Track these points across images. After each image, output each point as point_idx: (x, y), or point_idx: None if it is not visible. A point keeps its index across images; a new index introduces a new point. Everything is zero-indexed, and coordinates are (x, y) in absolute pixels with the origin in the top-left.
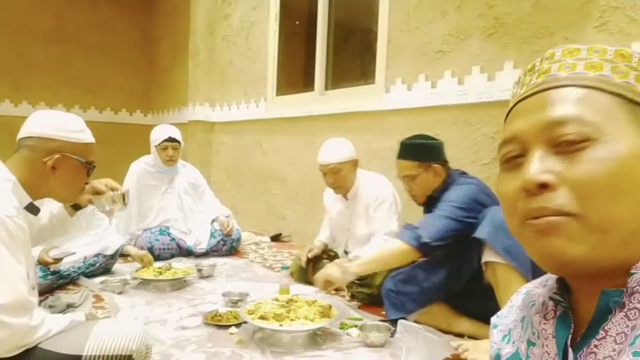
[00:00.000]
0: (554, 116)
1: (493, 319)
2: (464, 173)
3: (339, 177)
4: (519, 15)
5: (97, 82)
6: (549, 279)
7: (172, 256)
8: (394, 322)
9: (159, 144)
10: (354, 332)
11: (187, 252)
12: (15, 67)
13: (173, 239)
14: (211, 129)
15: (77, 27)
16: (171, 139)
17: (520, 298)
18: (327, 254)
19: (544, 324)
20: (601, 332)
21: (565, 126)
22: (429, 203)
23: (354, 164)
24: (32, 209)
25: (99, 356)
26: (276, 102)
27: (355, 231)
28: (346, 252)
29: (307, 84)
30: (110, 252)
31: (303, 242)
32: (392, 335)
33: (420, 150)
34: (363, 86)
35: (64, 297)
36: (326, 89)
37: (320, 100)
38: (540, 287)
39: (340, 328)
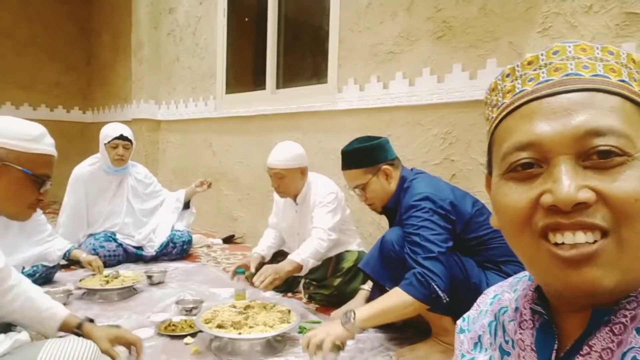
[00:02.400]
0: (589, 126)
1: (459, 323)
2: (418, 172)
3: (283, 183)
4: (465, 19)
5: (29, 77)
6: (519, 283)
7: (119, 263)
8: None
9: (109, 142)
10: None
11: (135, 258)
12: None
13: (120, 245)
14: (157, 128)
15: (7, 18)
16: (123, 137)
17: (487, 302)
18: (283, 257)
19: (520, 333)
20: (585, 347)
21: (600, 137)
22: (388, 215)
23: (302, 171)
24: None
25: None
26: (226, 101)
27: (305, 235)
28: None
29: (257, 82)
30: (55, 256)
31: (256, 244)
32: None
33: (363, 155)
34: (315, 85)
35: None
36: (277, 87)
37: (271, 99)
38: (510, 292)
39: (299, 332)
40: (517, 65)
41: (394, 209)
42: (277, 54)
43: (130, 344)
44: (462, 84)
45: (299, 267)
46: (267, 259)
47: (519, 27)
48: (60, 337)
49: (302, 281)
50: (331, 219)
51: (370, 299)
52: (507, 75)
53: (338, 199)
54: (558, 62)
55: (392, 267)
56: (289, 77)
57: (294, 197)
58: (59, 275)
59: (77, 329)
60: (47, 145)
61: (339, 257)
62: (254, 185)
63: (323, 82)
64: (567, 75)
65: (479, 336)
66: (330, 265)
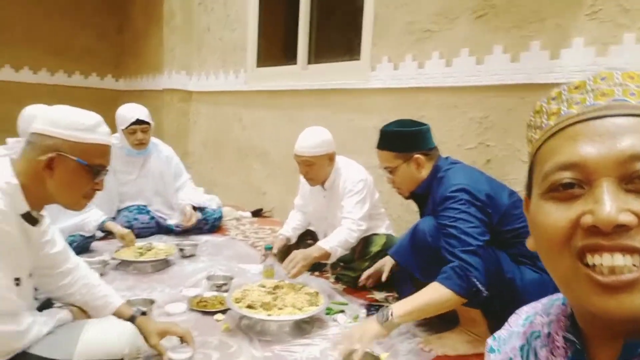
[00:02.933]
0: (634, 150)
1: (490, 342)
2: (453, 162)
3: (311, 170)
4: None
5: (62, 44)
6: (552, 307)
7: (152, 234)
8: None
9: (126, 128)
10: (341, 319)
11: (167, 230)
12: None
13: (152, 218)
14: (188, 99)
15: None
16: (139, 122)
17: (520, 323)
18: (312, 236)
19: None
20: None
21: None
22: (417, 201)
23: (330, 157)
24: (30, 219)
25: None
26: (256, 74)
27: (333, 221)
28: None
29: (288, 56)
30: (91, 227)
31: (284, 218)
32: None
33: (399, 140)
34: (348, 62)
35: None
36: (309, 62)
37: (302, 75)
38: (544, 316)
39: (327, 314)
40: (564, 89)
41: (423, 195)
42: (309, 28)
43: (180, 337)
44: (502, 66)
45: (327, 255)
46: (293, 241)
47: (566, 8)
48: None
49: (327, 263)
50: (360, 209)
51: (399, 287)
52: (553, 98)
53: (367, 186)
54: (605, 88)
55: (423, 257)
56: (321, 52)
57: (322, 183)
58: (96, 244)
59: (130, 321)
60: (102, 134)
61: (367, 240)
62: (282, 160)
63: (356, 59)
64: (614, 100)
65: (510, 359)
66: (358, 247)
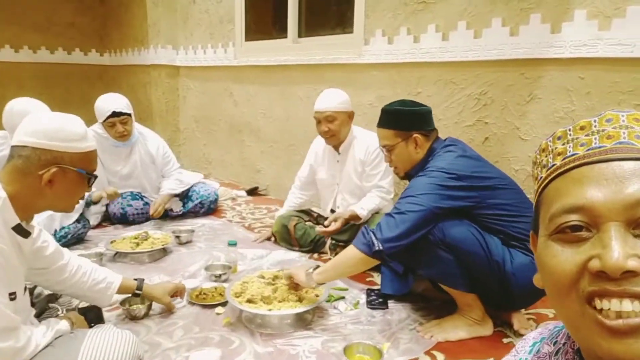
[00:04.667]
0: None
1: None
2: (451, 144)
3: (334, 126)
4: None
5: (45, 19)
6: (559, 335)
7: (147, 220)
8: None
9: (104, 121)
10: (342, 306)
11: (162, 215)
12: None
13: (147, 203)
14: (176, 74)
15: None
16: (116, 114)
17: (526, 350)
18: (310, 216)
19: None
20: None
21: None
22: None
23: (350, 115)
24: (21, 232)
25: None
26: (246, 48)
27: (345, 186)
28: (332, 211)
29: (279, 29)
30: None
31: (280, 196)
32: (373, 307)
33: (399, 118)
34: (340, 35)
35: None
36: (300, 36)
37: (293, 49)
38: (550, 344)
39: (327, 301)
40: (569, 129)
41: (414, 176)
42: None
43: (182, 292)
44: (501, 40)
45: (359, 217)
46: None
47: None
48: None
49: (329, 242)
50: (388, 176)
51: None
52: (559, 138)
53: None
54: (611, 130)
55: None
56: (312, 25)
57: (337, 147)
58: (91, 233)
59: (137, 291)
60: (91, 140)
61: (367, 220)
62: (277, 137)
63: (348, 32)
64: (619, 143)
65: None
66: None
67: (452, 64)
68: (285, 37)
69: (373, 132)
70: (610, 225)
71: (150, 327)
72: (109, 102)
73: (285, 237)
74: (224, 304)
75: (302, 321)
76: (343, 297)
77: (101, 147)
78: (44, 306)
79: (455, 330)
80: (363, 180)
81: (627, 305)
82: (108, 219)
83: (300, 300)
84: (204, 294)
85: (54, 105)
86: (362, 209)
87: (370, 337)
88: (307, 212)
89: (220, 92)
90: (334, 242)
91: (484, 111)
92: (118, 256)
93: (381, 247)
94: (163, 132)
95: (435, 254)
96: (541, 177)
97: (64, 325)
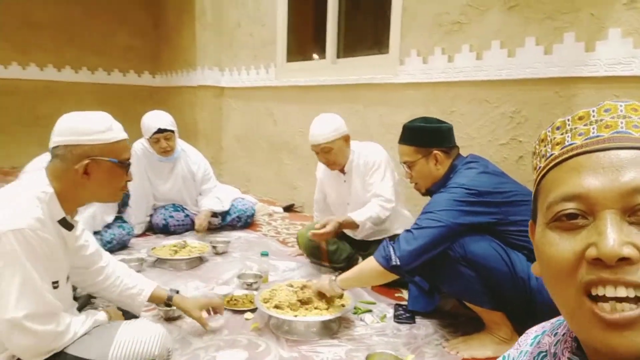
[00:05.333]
0: (637, 183)
1: None
2: (473, 161)
3: (332, 155)
4: None
5: (103, 42)
6: (560, 326)
7: (187, 231)
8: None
9: (150, 137)
10: (368, 318)
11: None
12: (20, 29)
13: (187, 215)
14: (221, 94)
15: None
16: (161, 130)
17: (528, 342)
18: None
19: None
20: None
21: None
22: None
23: (345, 139)
24: (65, 225)
25: None
26: (286, 69)
27: (355, 204)
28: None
29: (318, 50)
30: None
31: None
32: (400, 321)
33: (420, 134)
34: (376, 56)
35: None
36: (338, 56)
37: (332, 69)
38: (551, 336)
39: (354, 313)
40: (568, 119)
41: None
42: (338, 22)
43: (215, 307)
44: (535, 59)
45: (355, 225)
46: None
47: None
48: (136, 318)
49: (359, 258)
50: (386, 184)
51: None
52: (557, 128)
53: (386, 161)
54: (609, 120)
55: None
56: (350, 46)
57: (342, 169)
58: (134, 241)
59: (167, 301)
60: (119, 131)
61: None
62: (313, 154)
63: (384, 52)
64: (617, 132)
65: None
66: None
67: (485, 82)
68: (324, 58)
69: (372, 142)
70: (606, 213)
71: (182, 327)
72: (155, 119)
73: (314, 252)
74: (253, 310)
75: (328, 330)
76: (370, 310)
77: (147, 161)
78: (85, 301)
79: (482, 347)
80: (367, 193)
81: (621, 291)
82: (151, 228)
83: (326, 308)
84: (235, 300)
85: None
86: (359, 215)
87: (395, 349)
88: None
89: (261, 111)
90: (363, 256)
91: (518, 129)
92: (158, 262)
93: (398, 263)
94: (207, 150)
95: (457, 271)
96: (540, 167)
97: (102, 316)
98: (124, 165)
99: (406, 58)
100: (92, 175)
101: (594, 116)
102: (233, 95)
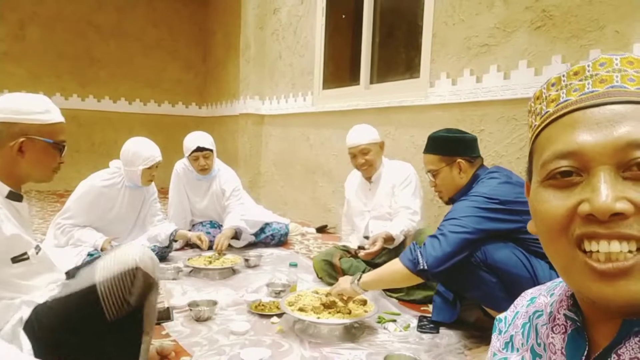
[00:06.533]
0: (631, 137)
1: (496, 323)
2: (496, 171)
3: (369, 157)
4: (567, 8)
5: (156, 76)
6: (556, 287)
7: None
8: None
9: (190, 155)
10: (391, 327)
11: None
12: (81, 63)
13: None
14: (261, 122)
15: (136, 23)
16: (200, 149)
17: (524, 303)
18: (348, 251)
19: (552, 337)
20: (614, 355)
21: None
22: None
23: (381, 146)
24: (15, 197)
25: (110, 278)
26: (323, 96)
27: (376, 213)
28: (366, 237)
29: (352, 77)
30: (163, 237)
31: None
32: (423, 330)
33: (444, 144)
34: (408, 80)
35: None
36: (371, 82)
37: (365, 94)
38: (547, 296)
39: (378, 322)
40: (563, 75)
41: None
42: (372, 50)
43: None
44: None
45: (392, 238)
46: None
47: (627, 14)
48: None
49: None
50: (414, 200)
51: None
52: (553, 85)
53: (416, 179)
54: (604, 74)
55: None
56: (383, 72)
57: (369, 178)
58: (174, 254)
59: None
60: (57, 114)
61: (403, 242)
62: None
63: (415, 77)
64: (612, 87)
65: (511, 336)
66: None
67: (513, 101)
68: (358, 84)
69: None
70: (599, 169)
71: (211, 327)
72: (195, 138)
73: (330, 272)
74: (279, 315)
75: (351, 335)
76: (394, 320)
77: (186, 179)
78: (166, 315)
79: None
80: (393, 203)
81: (615, 246)
82: (189, 243)
83: (349, 312)
84: (262, 305)
85: (161, 151)
86: (395, 229)
87: (416, 355)
88: (347, 249)
89: (298, 136)
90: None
91: None
92: (193, 272)
93: (426, 267)
94: (245, 175)
95: (478, 276)
96: (535, 125)
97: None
98: (59, 146)
99: (436, 81)
100: (26, 153)
101: (589, 71)
102: (272, 122)
